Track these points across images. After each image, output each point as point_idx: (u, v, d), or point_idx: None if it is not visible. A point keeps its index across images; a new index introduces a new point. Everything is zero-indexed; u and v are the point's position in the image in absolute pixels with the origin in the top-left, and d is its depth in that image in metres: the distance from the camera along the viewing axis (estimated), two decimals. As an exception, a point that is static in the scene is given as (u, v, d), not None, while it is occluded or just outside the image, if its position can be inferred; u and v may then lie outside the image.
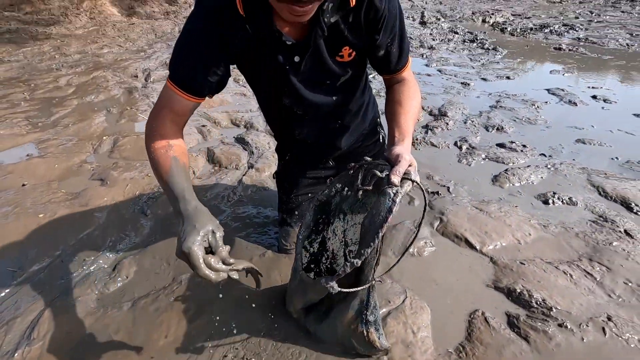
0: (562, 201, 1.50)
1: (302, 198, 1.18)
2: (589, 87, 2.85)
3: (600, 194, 1.56)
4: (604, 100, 2.56)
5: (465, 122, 2.29)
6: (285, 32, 0.76)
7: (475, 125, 2.25)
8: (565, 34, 4.67)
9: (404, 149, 0.73)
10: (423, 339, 0.93)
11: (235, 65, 0.88)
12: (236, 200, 1.59)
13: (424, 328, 0.96)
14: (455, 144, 2.03)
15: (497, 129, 2.19)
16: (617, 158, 1.84)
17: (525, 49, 4.16)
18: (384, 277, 1.05)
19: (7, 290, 1.13)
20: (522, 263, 1.18)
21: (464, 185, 1.64)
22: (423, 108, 2.47)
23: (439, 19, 5.87)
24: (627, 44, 4.07)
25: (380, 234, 0.65)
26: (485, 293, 1.09)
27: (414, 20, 5.92)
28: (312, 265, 0.99)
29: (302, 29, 0.77)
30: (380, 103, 1.04)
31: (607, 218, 1.39)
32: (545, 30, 4.84)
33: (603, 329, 0.95)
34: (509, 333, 0.96)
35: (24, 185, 1.68)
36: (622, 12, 5.98)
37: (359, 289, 0.78)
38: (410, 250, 1.24)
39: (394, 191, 0.66)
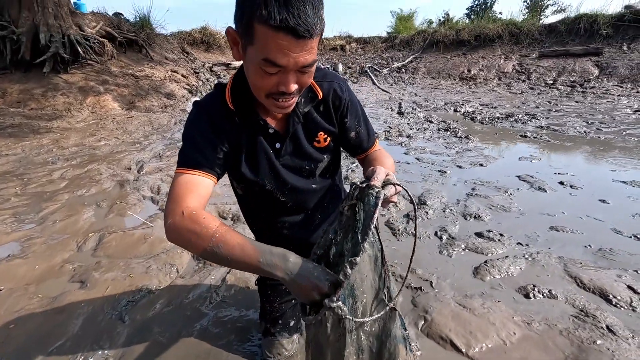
0: (542, 294, 1.52)
1: (286, 306, 1.18)
2: (555, 173, 3.07)
3: (578, 285, 1.59)
4: (571, 186, 2.74)
5: (444, 211, 2.40)
6: (267, 121, 0.90)
7: (454, 214, 2.35)
8: (529, 122, 5.15)
9: (377, 167, 0.79)
10: None
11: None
12: (219, 301, 1.56)
13: None
14: (436, 234, 2.10)
15: (475, 217, 2.29)
16: (590, 246, 1.91)
17: (495, 136, 4.54)
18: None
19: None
20: (509, 368, 1.15)
21: (447, 279, 1.66)
22: (403, 196, 2.60)
23: (415, 109, 6.46)
24: (585, 131, 4.49)
25: (372, 225, 0.66)
26: (474, 406, 1.04)
27: (392, 110, 6.49)
28: None
29: (281, 119, 0.92)
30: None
31: (588, 312, 1.40)
32: (511, 119, 5.34)
33: None
34: None
35: (0, 290, 1.63)
36: (576, 101, 6.71)
37: (375, 316, 0.72)
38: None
39: (375, 191, 0.69)
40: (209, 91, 8.83)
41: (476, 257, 1.84)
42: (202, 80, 8.70)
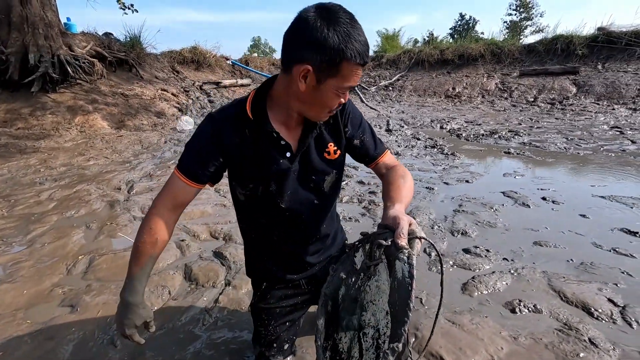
0: (528, 309, 1.58)
1: (280, 329, 1.19)
2: (538, 188, 3.18)
3: (562, 299, 1.65)
4: (553, 202, 2.84)
5: (432, 227, 2.46)
6: (280, 134, 0.96)
7: (442, 230, 2.41)
8: (512, 139, 5.33)
9: (397, 211, 0.80)
10: None
11: (229, 167, 1.02)
12: (212, 322, 1.57)
13: None
14: (425, 250, 2.15)
15: (462, 233, 2.35)
16: (572, 260, 1.98)
17: (480, 153, 4.68)
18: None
19: None
20: (497, 383, 1.18)
21: (436, 296, 1.70)
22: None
23: (403, 127, 6.62)
24: (565, 147, 4.67)
25: (411, 304, 0.61)
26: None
27: (380, 128, 6.63)
28: None
29: (295, 131, 0.99)
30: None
31: (571, 326, 1.45)
32: (495, 136, 5.51)
33: None
34: None
35: (-14, 316, 1.60)
36: (556, 118, 6.98)
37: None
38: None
39: (406, 255, 0.64)
40: (199, 109, 8.83)
41: (464, 273, 1.89)
42: (192, 99, 8.76)
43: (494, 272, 1.88)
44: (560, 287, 1.71)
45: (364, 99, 10.43)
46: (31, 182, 3.74)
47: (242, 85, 10.75)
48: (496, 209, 2.73)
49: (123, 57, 8.22)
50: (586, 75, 8.81)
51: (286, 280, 1.18)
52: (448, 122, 6.91)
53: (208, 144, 0.97)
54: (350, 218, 2.68)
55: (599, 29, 9.46)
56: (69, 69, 6.65)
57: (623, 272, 1.83)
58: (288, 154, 0.99)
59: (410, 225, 0.74)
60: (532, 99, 8.79)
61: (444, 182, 3.47)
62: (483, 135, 5.64)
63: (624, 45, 8.78)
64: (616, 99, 7.72)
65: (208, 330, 1.52)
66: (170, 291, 1.80)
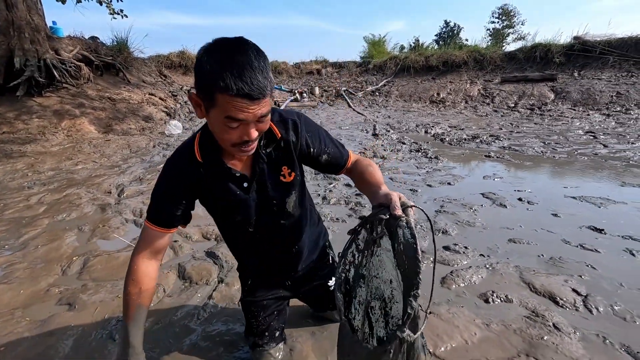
0: (500, 299, 1.71)
1: (270, 318, 1.30)
2: (515, 190, 3.36)
3: (531, 290, 1.79)
4: (528, 202, 3.01)
5: (415, 227, 2.59)
6: (233, 166, 1.01)
7: (424, 230, 2.55)
8: (493, 143, 5.55)
9: (385, 190, 0.91)
10: None
11: (198, 199, 1.09)
12: (206, 317, 1.65)
13: None
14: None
15: (443, 232, 2.49)
16: (542, 255, 2.14)
17: (462, 156, 4.86)
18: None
19: None
20: (470, 364, 1.31)
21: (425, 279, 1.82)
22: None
23: (389, 131, 6.79)
24: (542, 151, 4.89)
25: (419, 256, 0.70)
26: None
27: (367, 132, 6.79)
28: None
29: (247, 162, 1.03)
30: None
31: (538, 313, 1.59)
32: (477, 140, 5.73)
33: None
34: None
35: (-15, 315, 1.65)
36: (535, 123, 7.27)
37: (420, 330, 0.77)
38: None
39: (405, 221, 0.76)
40: (187, 114, 8.82)
41: (443, 268, 2.02)
42: (180, 103, 8.78)
43: (470, 267, 2.01)
44: (530, 280, 1.86)
45: (351, 103, 10.61)
46: (19, 186, 3.74)
47: (230, 90, 10.78)
48: (475, 210, 2.89)
49: (110, 61, 8.20)
50: (563, 82, 9.20)
51: (271, 282, 1.31)
52: (432, 126, 7.12)
53: (170, 190, 1.01)
54: (337, 219, 2.79)
55: (575, 37, 9.90)
56: (55, 73, 6.62)
57: (588, 266, 1.99)
58: (245, 184, 1.02)
59: (400, 198, 0.85)
60: (513, 105, 9.12)
61: (427, 185, 3.62)
62: (466, 139, 5.85)
63: (598, 54, 9.21)
64: (591, 105, 8.09)
65: (203, 324, 1.60)
66: (165, 289, 1.87)
